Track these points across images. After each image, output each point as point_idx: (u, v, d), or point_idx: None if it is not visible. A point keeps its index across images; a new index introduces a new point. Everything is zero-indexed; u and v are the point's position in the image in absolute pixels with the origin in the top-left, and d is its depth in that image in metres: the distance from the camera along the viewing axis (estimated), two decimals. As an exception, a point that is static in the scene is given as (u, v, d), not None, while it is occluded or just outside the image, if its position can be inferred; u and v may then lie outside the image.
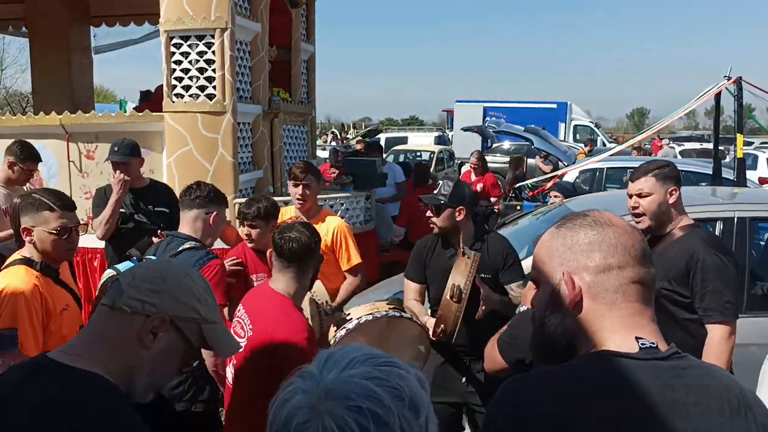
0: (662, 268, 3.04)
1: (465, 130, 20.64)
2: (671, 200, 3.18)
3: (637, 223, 3.25)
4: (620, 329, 1.35)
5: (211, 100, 6.35)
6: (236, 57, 6.50)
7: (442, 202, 3.58)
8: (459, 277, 3.33)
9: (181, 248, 3.26)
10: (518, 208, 8.76)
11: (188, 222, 3.47)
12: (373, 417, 0.95)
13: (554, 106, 27.74)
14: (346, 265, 4.53)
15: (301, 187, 4.48)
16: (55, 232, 2.86)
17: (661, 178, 3.20)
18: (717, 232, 4.24)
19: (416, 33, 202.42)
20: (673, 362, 1.32)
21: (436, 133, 30.46)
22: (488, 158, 17.02)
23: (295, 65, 8.17)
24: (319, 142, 22.80)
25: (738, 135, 7.32)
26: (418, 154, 19.29)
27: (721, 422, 1.27)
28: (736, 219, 4.28)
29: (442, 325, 3.35)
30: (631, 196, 3.27)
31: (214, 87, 6.35)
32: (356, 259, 4.56)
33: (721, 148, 8.68)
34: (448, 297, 3.31)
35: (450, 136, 28.50)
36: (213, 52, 6.33)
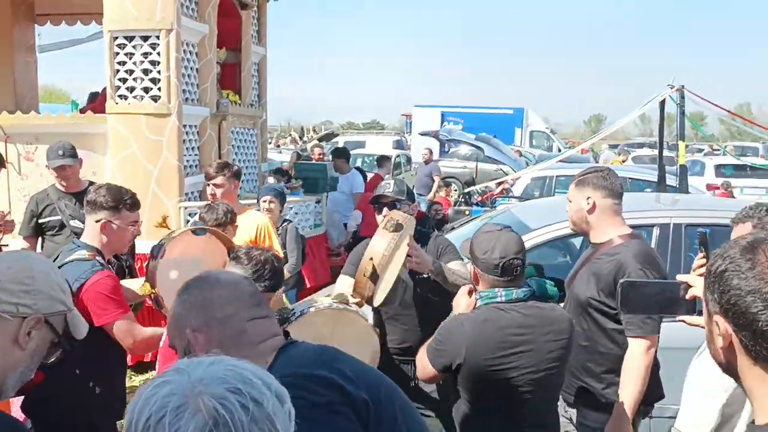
0: (594, 278, 3.02)
1: (423, 134, 20.79)
2: (587, 208, 3.03)
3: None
4: (258, 355, 1.67)
5: (155, 102, 6.22)
6: (182, 59, 6.39)
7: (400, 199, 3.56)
8: (379, 245, 2.99)
9: (66, 260, 2.97)
10: (467, 213, 8.80)
11: (86, 229, 3.19)
12: (251, 397, 1.01)
13: (511, 112, 28.05)
14: None
15: (211, 185, 4.75)
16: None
17: (579, 185, 3.07)
18: (654, 238, 4.29)
19: (383, 35, 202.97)
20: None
21: (395, 138, 30.47)
22: (444, 164, 17.20)
23: (245, 68, 8.08)
24: (270, 145, 22.64)
25: (680, 142, 7.47)
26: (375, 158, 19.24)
27: None
28: (672, 225, 4.33)
29: (357, 298, 3.14)
30: None
31: (159, 89, 6.23)
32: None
33: (671, 154, 8.81)
34: (362, 275, 3.00)
35: (408, 141, 28.57)
36: (158, 53, 6.21)
